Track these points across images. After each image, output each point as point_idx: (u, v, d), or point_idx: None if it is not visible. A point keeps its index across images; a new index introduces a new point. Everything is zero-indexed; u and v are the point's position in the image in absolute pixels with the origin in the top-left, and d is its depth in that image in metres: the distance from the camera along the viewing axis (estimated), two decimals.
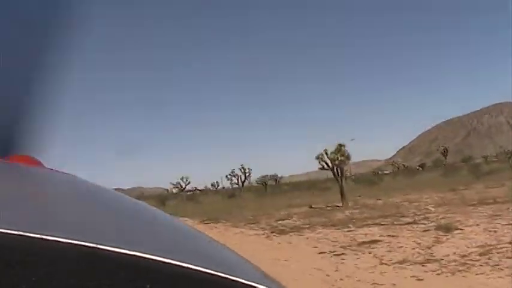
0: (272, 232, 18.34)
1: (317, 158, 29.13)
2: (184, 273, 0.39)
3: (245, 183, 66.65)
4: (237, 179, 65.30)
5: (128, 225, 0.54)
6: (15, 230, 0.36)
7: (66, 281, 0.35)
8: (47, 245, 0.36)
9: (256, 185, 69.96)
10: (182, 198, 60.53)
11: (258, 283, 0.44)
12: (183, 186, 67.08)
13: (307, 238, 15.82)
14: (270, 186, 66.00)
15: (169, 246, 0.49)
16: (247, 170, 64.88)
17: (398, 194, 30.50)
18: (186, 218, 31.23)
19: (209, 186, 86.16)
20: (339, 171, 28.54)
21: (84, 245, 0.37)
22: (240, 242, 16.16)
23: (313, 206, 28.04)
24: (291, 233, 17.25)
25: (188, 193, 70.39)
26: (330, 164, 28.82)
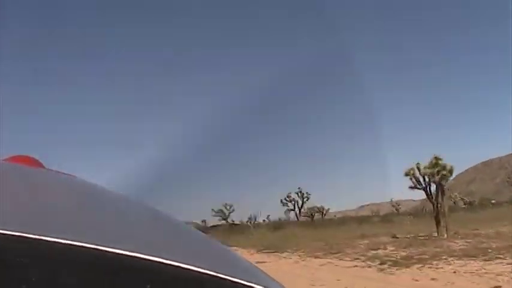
0: (381, 264, 13.93)
1: (407, 174, 23.93)
2: (184, 274, 0.39)
3: (293, 213, 61.44)
4: (294, 205, 55.61)
5: (128, 226, 0.54)
6: (15, 231, 0.36)
7: (66, 282, 0.35)
8: (47, 246, 0.36)
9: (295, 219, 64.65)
10: (224, 229, 56.42)
11: (258, 284, 0.44)
12: (226, 215, 61.15)
13: (447, 271, 11.71)
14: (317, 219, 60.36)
15: (169, 247, 0.49)
16: (305, 194, 55.25)
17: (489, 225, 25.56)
18: (236, 247, 27.52)
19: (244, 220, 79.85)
20: (430, 189, 23.36)
21: (84, 246, 0.37)
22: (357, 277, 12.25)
23: (397, 236, 23.32)
24: (412, 265, 13.03)
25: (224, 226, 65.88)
26: (424, 181, 23.45)
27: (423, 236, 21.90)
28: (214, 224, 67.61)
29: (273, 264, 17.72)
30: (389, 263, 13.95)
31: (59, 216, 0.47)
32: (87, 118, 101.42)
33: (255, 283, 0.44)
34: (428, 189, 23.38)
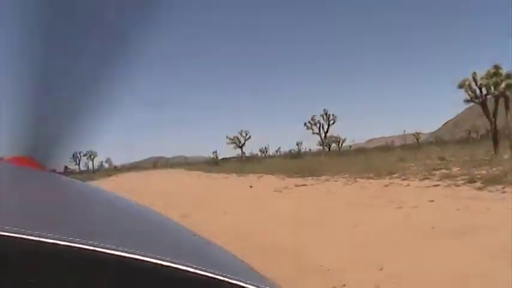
0: (470, 182, 11.31)
1: (461, 86, 20.03)
2: (183, 276, 0.39)
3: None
4: (319, 127, 47.18)
5: (126, 228, 0.55)
6: (14, 233, 0.36)
7: (65, 284, 0.36)
8: (45, 247, 0.36)
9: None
10: (236, 161, 54.36)
11: (257, 286, 0.45)
12: (243, 142, 56.03)
13: None
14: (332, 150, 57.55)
15: (168, 249, 0.50)
16: (331, 117, 47.21)
17: None
18: (260, 174, 25.71)
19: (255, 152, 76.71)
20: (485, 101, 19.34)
21: (83, 248, 0.37)
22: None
23: (446, 158, 20.46)
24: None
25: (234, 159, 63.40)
26: (481, 92, 19.52)
27: (478, 160, 18.50)
28: (226, 156, 65.82)
29: (324, 186, 15.29)
30: (481, 181, 11.20)
31: (58, 217, 0.48)
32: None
33: (252, 284, 0.44)
34: (485, 102, 19.71)
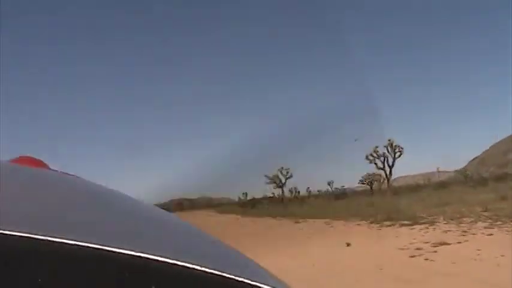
0: None
1: None
2: (190, 274, 0.39)
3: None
4: (383, 161, 41.59)
5: (133, 226, 0.55)
6: (21, 232, 0.36)
7: (73, 282, 0.36)
8: (53, 246, 0.36)
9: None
10: (271, 203, 51.05)
11: (264, 283, 0.45)
12: (284, 181, 52.17)
13: None
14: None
15: (174, 247, 0.50)
16: (397, 148, 41.53)
17: None
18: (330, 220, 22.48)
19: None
20: None
21: (89, 247, 0.37)
22: None
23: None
24: None
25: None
26: None
27: None
28: (254, 196, 62.17)
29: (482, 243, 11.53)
30: None
31: (65, 216, 0.48)
32: (93, 120, 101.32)
33: (260, 282, 0.44)
34: None
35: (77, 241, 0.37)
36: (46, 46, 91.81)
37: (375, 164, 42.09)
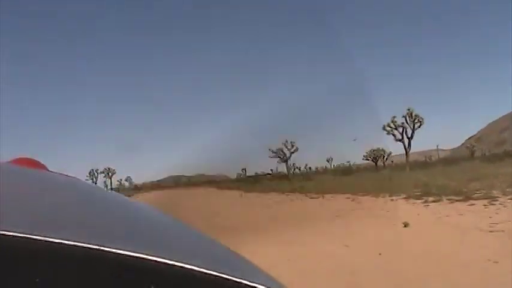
0: None
1: None
2: (188, 275, 0.40)
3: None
4: (402, 133, 37.33)
5: (131, 227, 0.55)
6: (19, 232, 0.36)
7: (71, 282, 0.36)
8: (52, 246, 0.36)
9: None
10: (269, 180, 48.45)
11: (261, 284, 0.45)
12: (288, 155, 48.38)
13: None
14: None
15: (172, 248, 0.50)
16: (417, 118, 37.38)
17: None
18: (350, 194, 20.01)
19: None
20: None
21: (88, 247, 0.37)
22: None
23: None
24: None
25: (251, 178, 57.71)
26: None
27: None
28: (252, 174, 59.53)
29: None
30: None
31: (63, 217, 0.49)
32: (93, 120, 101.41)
33: (258, 283, 0.44)
34: None
35: (75, 241, 0.37)
36: (46, 46, 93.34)
37: (393, 135, 37.64)
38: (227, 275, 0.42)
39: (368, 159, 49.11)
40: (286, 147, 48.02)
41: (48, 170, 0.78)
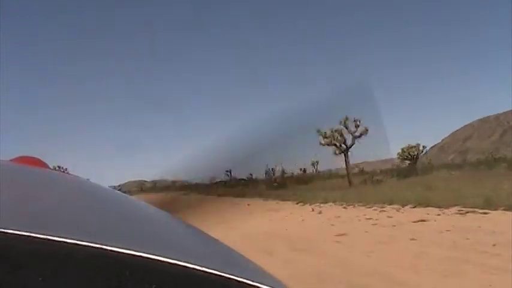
0: None
1: None
2: (190, 274, 0.39)
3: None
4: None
5: (133, 226, 0.55)
6: (22, 231, 0.36)
7: (73, 281, 0.35)
8: (54, 245, 0.36)
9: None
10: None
11: (263, 284, 0.45)
12: (348, 144, 29.97)
13: None
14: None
15: (174, 247, 0.50)
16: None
17: None
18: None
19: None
20: None
21: (90, 246, 0.37)
22: None
23: None
24: None
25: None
26: None
27: None
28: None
29: None
30: None
31: (65, 216, 0.48)
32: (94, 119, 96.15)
33: (260, 283, 0.44)
34: None
35: (78, 240, 0.37)
36: (46, 45, 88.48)
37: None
38: (230, 274, 0.41)
39: (405, 159, 38.20)
40: (346, 127, 29.63)
41: (49, 169, 0.79)
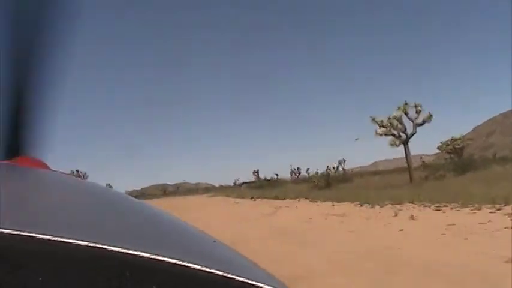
0: None
1: None
2: (190, 274, 0.39)
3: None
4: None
5: (134, 226, 0.55)
6: (23, 231, 0.36)
7: (73, 281, 0.36)
8: (55, 245, 0.36)
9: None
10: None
11: (264, 283, 0.45)
12: (411, 132, 25.10)
13: None
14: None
15: (175, 247, 0.50)
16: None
17: None
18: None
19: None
20: None
21: (91, 246, 0.37)
22: None
23: None
24: None
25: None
26: None
27: None
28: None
29: None
30: None
31: (66, 216, 0.48)
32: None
33: (261, 283, 0.44)
34: None
35: (78, 241, 0.37)
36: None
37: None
38: (230, 274, 0.41)
39: (449, 152, 33.59)
40: (405, 113, 25.10)
41: (50, 169, 0.78)
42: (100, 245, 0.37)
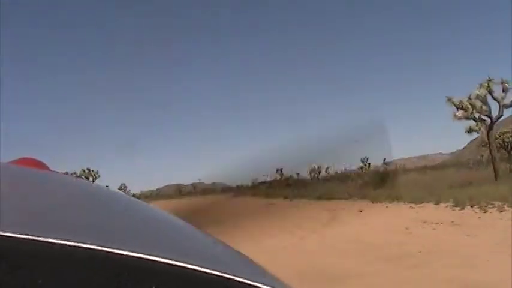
0: None
1: None
2: (190, 275, 0.39)
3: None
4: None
5: (133, 227, 0.55)
6: (22, 234, 0.36)
7: (73, 283, 0.36)
8: (54, 247, 0.36)
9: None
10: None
11: (264, 284, 0.44)
12: (492, 118, 20.47)
13: None
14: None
15: (175, 248, 0.50)
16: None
17: None
18: None
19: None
20: None
21: (90, 248, 0.37)
22: None
23: None
24: None
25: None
26: None
27: None
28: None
29: None
30: None
31: (65, 218, 0.48)
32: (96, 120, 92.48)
33: (261, 283, 0.44)
34: None
35: (77, 242, 0.37)
36: (46, 45, 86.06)
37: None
38: (230, 274, 0.41)
39: (499, 147, 29.77)
40: (491, 93, 20.61)
41: (50, 170, 0.78)
42: (99, 247, 0.37)
